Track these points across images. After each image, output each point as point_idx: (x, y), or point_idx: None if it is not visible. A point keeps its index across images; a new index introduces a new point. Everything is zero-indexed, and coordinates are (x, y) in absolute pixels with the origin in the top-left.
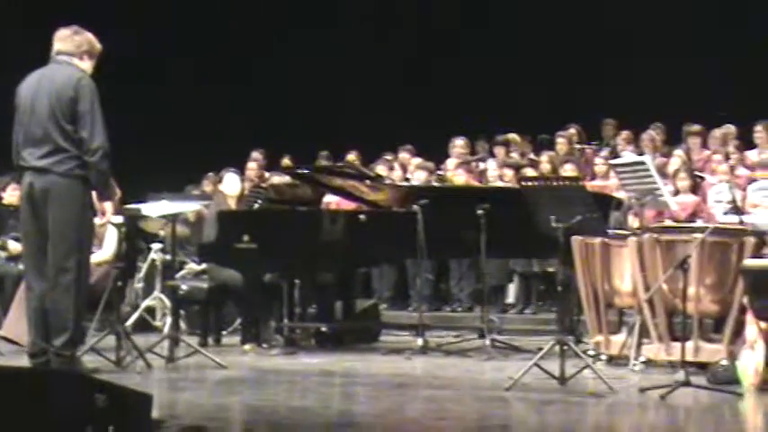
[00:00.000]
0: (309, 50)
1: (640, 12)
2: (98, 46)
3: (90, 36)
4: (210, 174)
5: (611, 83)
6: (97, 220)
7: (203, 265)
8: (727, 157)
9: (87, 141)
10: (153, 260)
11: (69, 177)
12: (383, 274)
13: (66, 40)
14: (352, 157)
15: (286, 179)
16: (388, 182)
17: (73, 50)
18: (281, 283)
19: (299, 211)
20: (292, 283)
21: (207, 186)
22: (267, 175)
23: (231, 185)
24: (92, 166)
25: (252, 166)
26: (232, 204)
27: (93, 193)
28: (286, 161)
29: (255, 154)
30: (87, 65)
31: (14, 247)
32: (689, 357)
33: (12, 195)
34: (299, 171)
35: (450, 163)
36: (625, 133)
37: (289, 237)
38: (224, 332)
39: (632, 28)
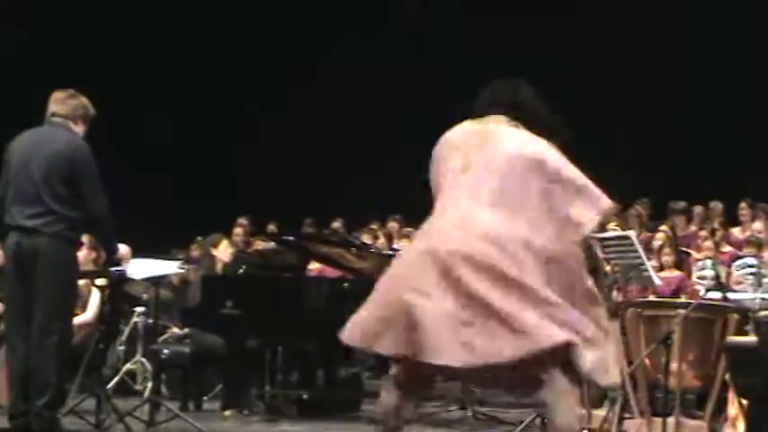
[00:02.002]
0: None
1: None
2: (92, 111)
3: (85, 100)
4: (199, 238)
5: (595, 158)
6: (82, 282)
7: (186, 330)
8: (712, 234)
9: (91, 209)
10: (135, 323)
11: (59, 239)
12: None
13: (62, 102)
14: (336, 225)
15: (271, 245)
16: (373, 250)
17: (68, 113)
18: (263, 348)
19: (283, 278)
20: (275, 350)
21: (194, 251)
22: (253, 240)
23: (226, 250)
24: (98, 230)
25: (238, 232)
26: (220, 269)
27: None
28: (271, 227)
29: (241, 220)
30: (81, 129)
31: None
32: None
33: None
34: (285, 238)
35: None
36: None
37: (272, 303)
38: (205, 397)
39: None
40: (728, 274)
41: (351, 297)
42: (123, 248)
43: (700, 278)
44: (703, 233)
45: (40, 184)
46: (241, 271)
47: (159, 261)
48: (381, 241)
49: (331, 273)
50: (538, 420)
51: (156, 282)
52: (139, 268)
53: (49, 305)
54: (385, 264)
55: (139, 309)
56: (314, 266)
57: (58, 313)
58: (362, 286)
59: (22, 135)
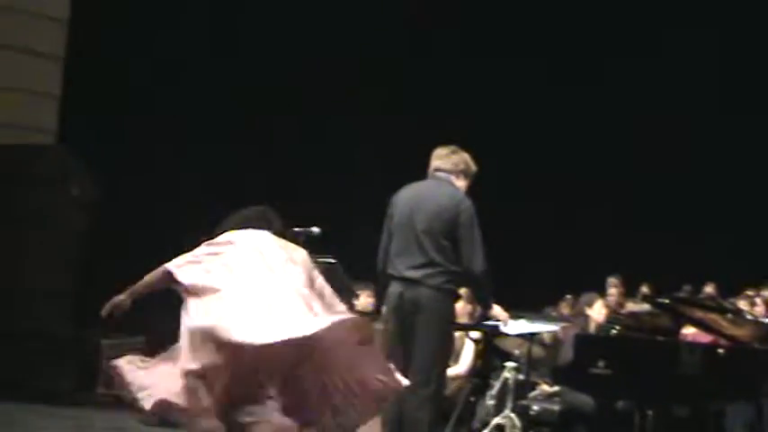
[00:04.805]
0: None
1: None
2: (473, 167)
3: (467, 156)
4: (569, 296)
5: None
6: (456, 334)
7: (556, 388)
8: None
9: (469, 264)
10: (506, 378)
11: (440, 291)
12: (738, 411)
13: (444, 158)
14: (709, 289)
15: (645, 307)
16: (749, 317)
17: (451, 169)
18: (633, 410)
19: (657, 341)
20: (644, 413)
21: (564, 309)
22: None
23: (600, 310)
24: (476, 285)
25: (612, 292)
26: (593, 329)
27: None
28: (644, 289)
29: (612, 279)
30: (462, 184)
31: None
32: None
33: (366, 301)
34: (660, 301)
35: None
36: None
37: (646, 366)
38: None
39: None
40: None
41: (725, 364)
42: (498, 310)
43: None
44: None
45: (422, 236)
46: (614, 331)
47: (536, 323)
48: (759, 309)
49: (703, 338)
50: None
51: (530, 338)
52: (516, 327)
53: (427, 355)
54: (761, 332)
55: (511, 364)
56: (688, 330)
57: (435, 363)
58: (737, 354)
59: (406, 188)
